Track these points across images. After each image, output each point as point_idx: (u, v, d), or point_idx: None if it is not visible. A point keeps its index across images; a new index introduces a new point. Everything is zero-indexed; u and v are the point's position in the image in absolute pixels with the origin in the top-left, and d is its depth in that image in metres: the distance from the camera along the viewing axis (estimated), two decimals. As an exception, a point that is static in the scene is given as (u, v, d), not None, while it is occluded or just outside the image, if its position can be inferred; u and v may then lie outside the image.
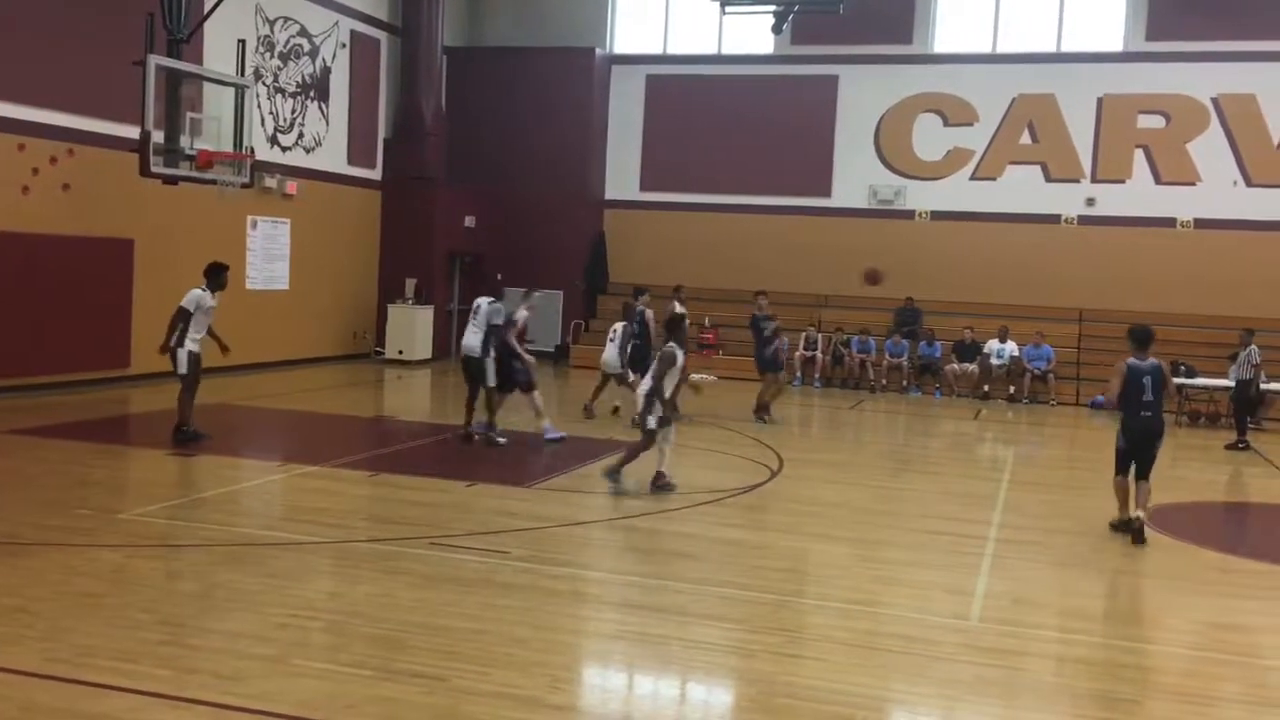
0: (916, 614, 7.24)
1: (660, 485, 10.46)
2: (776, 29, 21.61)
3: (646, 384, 10.49)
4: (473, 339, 12.67)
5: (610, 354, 14.68)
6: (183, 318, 11.77)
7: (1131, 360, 9.79)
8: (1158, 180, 22.06)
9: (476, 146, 23.87)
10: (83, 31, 15.23)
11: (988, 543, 9.31)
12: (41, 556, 7.46)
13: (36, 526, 8.24)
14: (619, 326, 14.91)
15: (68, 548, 7.75)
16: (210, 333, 11.97)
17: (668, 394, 10.53)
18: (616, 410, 15.05)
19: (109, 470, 10.93)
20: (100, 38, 15.28)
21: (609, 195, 24.96)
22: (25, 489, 9.51)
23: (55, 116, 15.09)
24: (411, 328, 21.70)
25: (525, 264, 24.01)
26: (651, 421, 10.33)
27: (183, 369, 11.80)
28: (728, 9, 19.13)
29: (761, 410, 15.70)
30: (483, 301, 12.74)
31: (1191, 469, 14.55)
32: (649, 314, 15.32)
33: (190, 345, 11.77)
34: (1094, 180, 22.41)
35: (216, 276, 12.07)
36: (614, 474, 10.46)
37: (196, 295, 11.83)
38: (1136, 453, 9.84)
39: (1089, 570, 8.69)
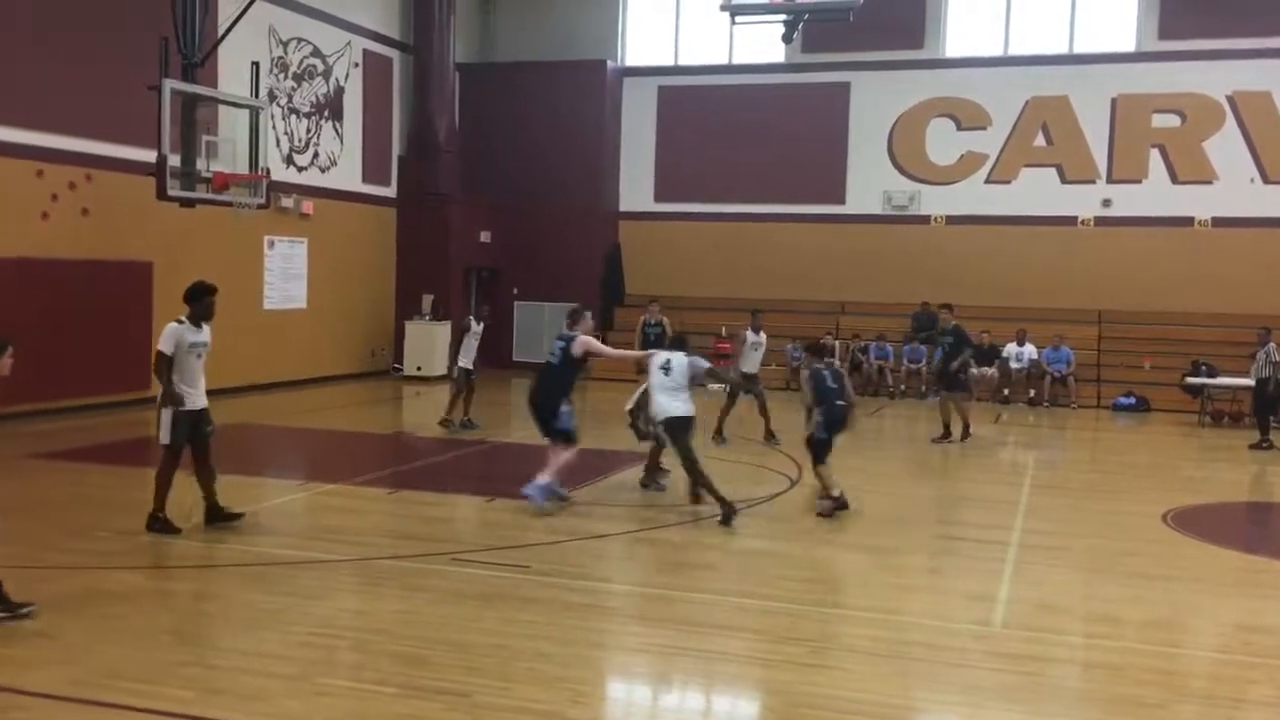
0: (939, 621, 7.20)
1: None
2: (787, 38, 21.54)
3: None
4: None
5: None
6: (165, 364, 8.70)
7: (816, 366, 10.46)
8: (1174, 180, 21.95)
9: (490, 161, 23.96)
10: (98, 57, 15.38)
11: (1010, 548, 9.26)
12: (64, 579, 7.50)
13: (59, 550, 8.29)
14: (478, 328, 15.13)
15: (90, 570, 7.79)
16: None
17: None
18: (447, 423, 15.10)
19: (130, 492, 10.98)
20: (116, 63, 15.42)
21: (623, 207, 25.01)
22: (47, 512, 9.57)
23: (73, 142, 15.25)
24: (429, 343, 21.77)
25: (542, 277, 24.15)
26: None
27: (164, 437, 8.75)
28: (737, 20, 19.11)
29: (963, 433, 15.25)
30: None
31: (1216, 470, 14.43)
32: (665, 320, 16.05)
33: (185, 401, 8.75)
34: (1110, 181, 22.31)
35: (197, 302, 8.92)
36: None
37: (173, 331, 8.78)
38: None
39: (1113, 574, 8.63)
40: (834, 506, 10.19)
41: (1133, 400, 20.09)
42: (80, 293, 15.28)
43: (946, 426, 15.32)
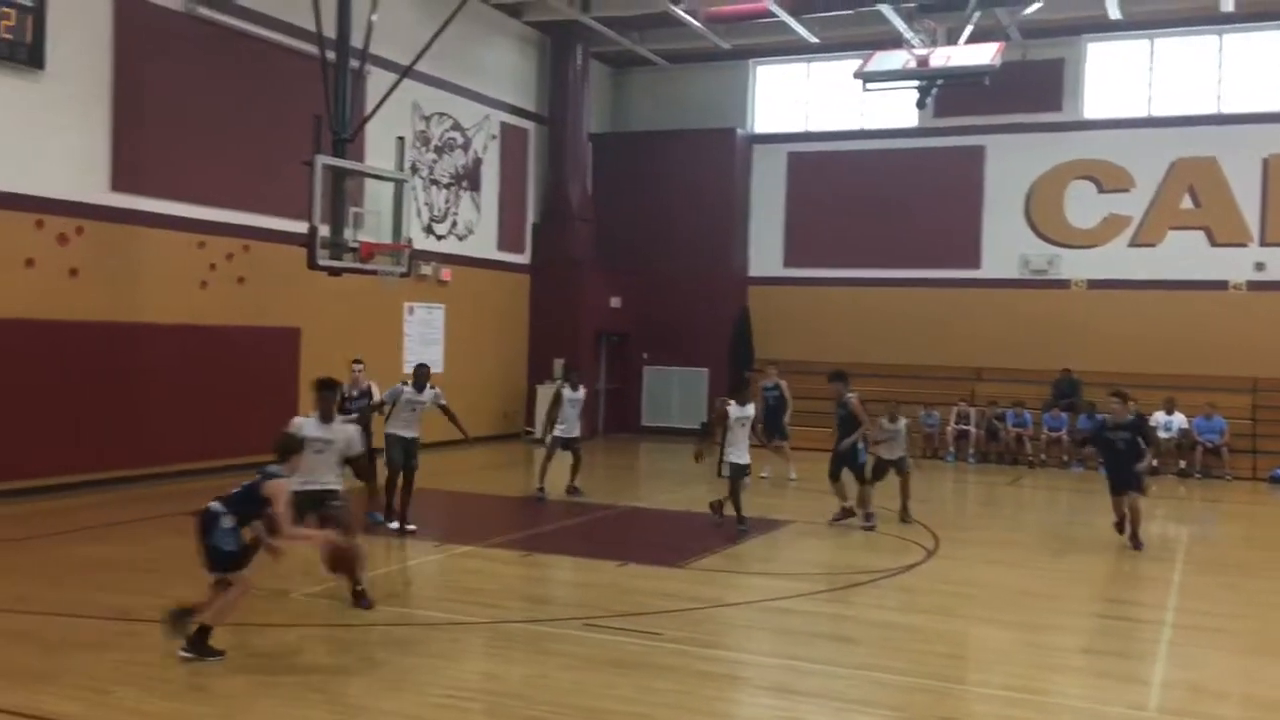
0: (1088, 703, 6.90)
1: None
2: (920, 104, 21.47)
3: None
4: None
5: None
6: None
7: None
8: (1333, 241, 20.97)
9: (622, 228, 24.35)
10: (256, 136, 16.29)
11: (1164, 628, 8.83)
12: (219, 637, 7.77)
13: (213, 605, 8.61)
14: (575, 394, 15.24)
15: (243, 627, 8.07)
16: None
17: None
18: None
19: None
20: (271, 141, 16.29)
21: (753, 272, 25.07)
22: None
23: (231, 215, 16.12)
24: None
25: (671, 342, 24.33)
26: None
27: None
28: (869, 87, 19.13)
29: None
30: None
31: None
32: (783, 384, 17.16)
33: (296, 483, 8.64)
34: (1263, 244, 21.41)
35: (322, 395, 9.11)
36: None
37: (296, 421, 9.04)
38: None
39: (1275, 657, 8.15)
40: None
41: (1292, 472, 19.08)
42: (235, 357, 16.04)
43: (1123, 518, 12.58)
